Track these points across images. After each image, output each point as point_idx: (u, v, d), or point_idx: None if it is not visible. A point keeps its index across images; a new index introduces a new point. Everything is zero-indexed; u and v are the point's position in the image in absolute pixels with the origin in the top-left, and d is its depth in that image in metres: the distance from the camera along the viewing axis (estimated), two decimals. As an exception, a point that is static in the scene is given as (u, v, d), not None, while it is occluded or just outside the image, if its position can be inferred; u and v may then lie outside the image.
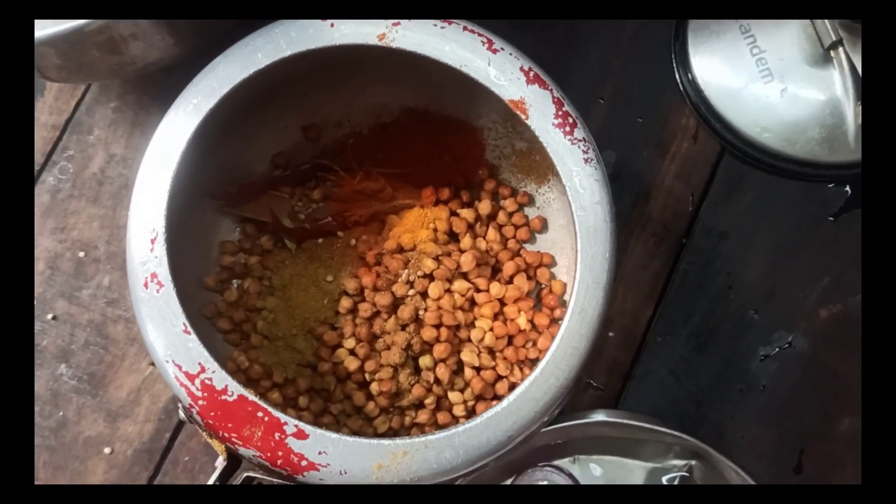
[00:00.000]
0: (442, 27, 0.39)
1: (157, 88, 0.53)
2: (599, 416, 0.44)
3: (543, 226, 0.49)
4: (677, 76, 0.53)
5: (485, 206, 0.49)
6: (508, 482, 0.44)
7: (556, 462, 0.45)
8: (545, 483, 0.44)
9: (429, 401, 0.45)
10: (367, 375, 0.45)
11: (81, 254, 0.52)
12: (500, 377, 0.46)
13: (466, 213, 0.49)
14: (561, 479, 0.43)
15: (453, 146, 0.50)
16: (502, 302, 0.47)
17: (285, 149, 0.49)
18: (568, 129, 0.38)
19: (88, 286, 0.51)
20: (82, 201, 0.53)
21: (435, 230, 0.48)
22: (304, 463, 0.36)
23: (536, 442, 0.42)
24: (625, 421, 0.43)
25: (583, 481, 0.44)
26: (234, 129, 0.45)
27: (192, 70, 0.43)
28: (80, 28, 0.37)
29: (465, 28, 0.39)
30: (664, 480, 0.45)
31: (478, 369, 0.46)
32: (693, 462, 0.43)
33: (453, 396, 0.46)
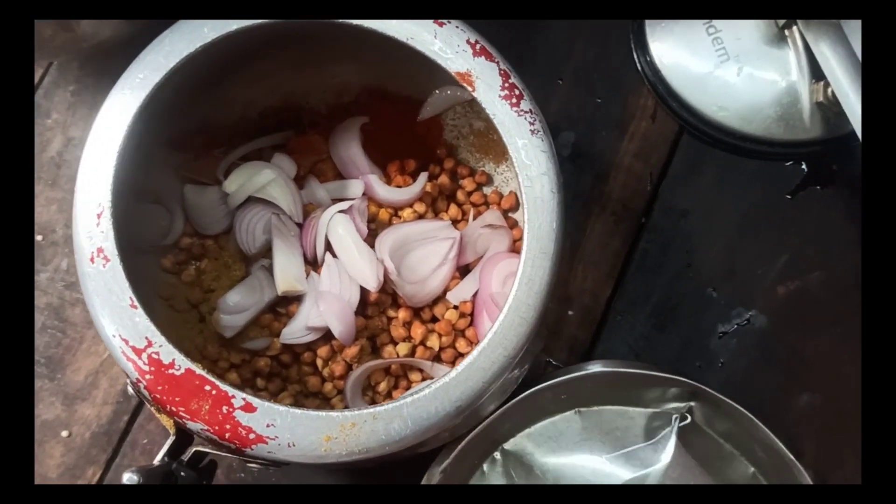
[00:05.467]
0: (389, 1, 0.39)
1: (116, 71, 0.53)
2: (596, 367, 0.45)
3: (513, 204, 0.49)
4: (636, 57, 0.54)
5: (444, 183, 0.49)
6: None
7: (559, 416, 0.45)
8: None
9: (382, 386, 0.45)
10: (319, 362, 0.45)
11: (39, 237, 0.52)
12: (459, 354, 0.47)
13: (430, 188, 0.49)
14: None
15: (412, 126, 0.50)
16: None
17: (243, 127, 0.49)
18: (514, 100, 0.38)
19: (46, 269, 0.51)
20: (40, 185, 0.52)
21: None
22: (252, 436, 0.36)
23: (541, 397, 0.43)
24: (621, 369, 0.44)
25: (586, 433, 0.45)
26: (190, 107, 0.45)
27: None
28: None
29: (412, 2, 0.39)
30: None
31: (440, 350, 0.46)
32: (692, 403, 0.44)
33: (413, 376, 0.47)
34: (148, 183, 0.45)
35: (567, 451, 0.45)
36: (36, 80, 0.54)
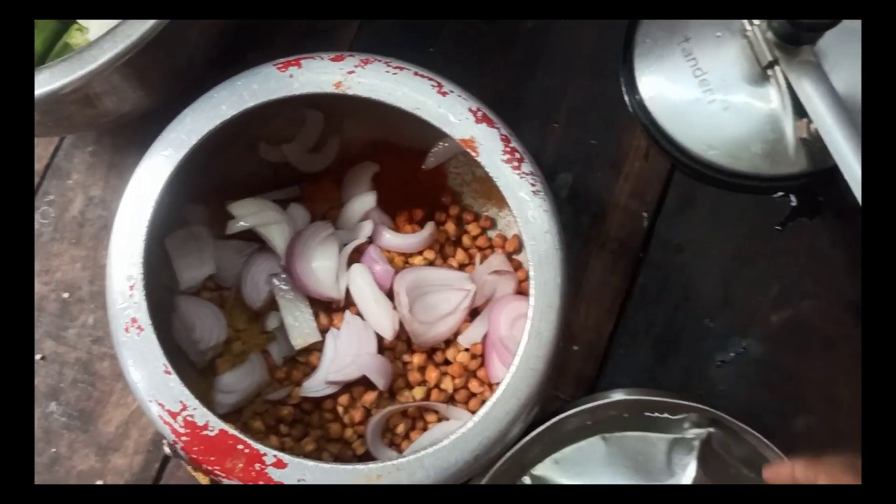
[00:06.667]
0: (394, 73, 0.41)
1: (131, 132, 0.55)
2: (618, 396, 0.48)
3: (517, 247, 0.51)
4: (627, 99, 0.56)
5: (450, 230, 0.51)
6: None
7: (584, 441, 0.48)
8: None
9: (400, 428, 0.47)
10: (340, 409, 0.48)
11: (66, 294, 0.54)
12: (472, 395, 0.49)
13: (438, 235, 0.51)
14: None
15: (418, 174, 0.52)
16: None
17: (258, 181, 0.52)
18: (516, 163, 0.41)
19: (74, 326, 0.54)
20: (64, 244, 0.55)
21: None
22: (283, 490, 0.38)
23: (567, 423, 0.46)
24: (643, 397, 0.47)
25: (610, 458, 0.48)
26: (207, 168, 0.47)
27: (164, 114, 0.45)
28: (57, 91, 0.39)
29: (415, 73, 0.42)
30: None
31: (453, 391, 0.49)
32: (711, 430, 0.47)
33: (429, 417, 0.49)
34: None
35: (592, 477, 0.47)
36: (55, 143, 0.56)
